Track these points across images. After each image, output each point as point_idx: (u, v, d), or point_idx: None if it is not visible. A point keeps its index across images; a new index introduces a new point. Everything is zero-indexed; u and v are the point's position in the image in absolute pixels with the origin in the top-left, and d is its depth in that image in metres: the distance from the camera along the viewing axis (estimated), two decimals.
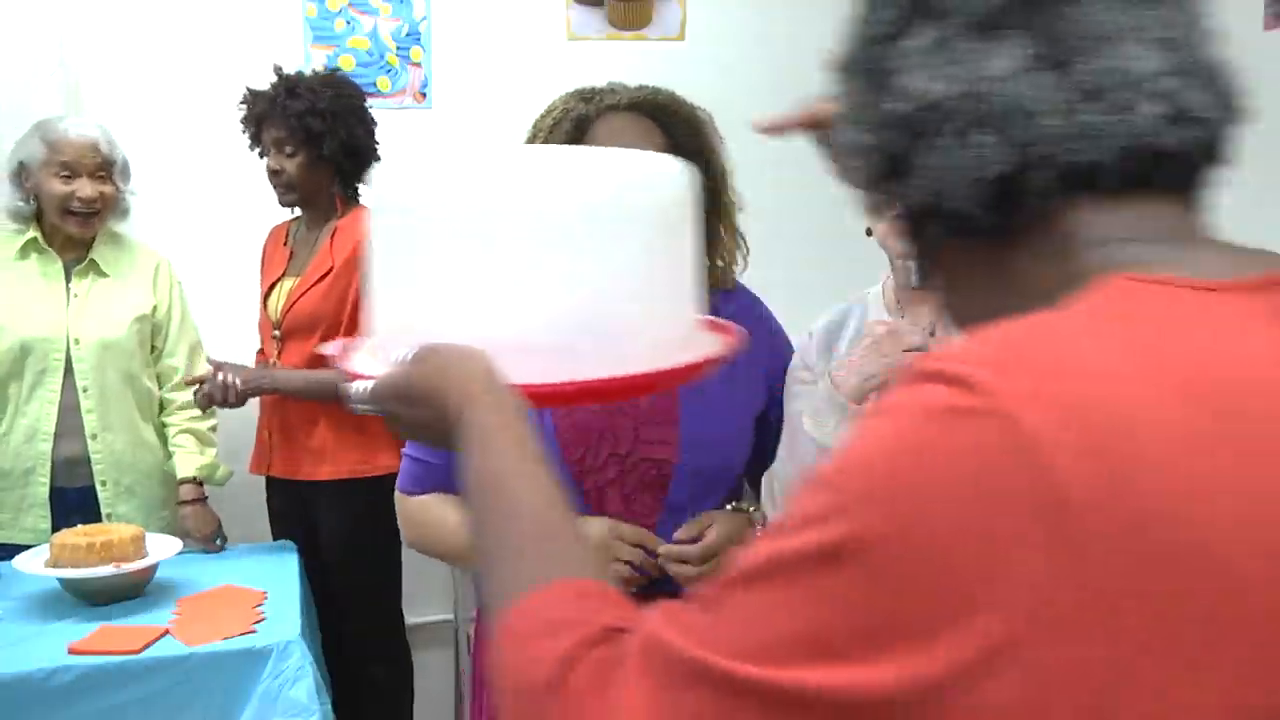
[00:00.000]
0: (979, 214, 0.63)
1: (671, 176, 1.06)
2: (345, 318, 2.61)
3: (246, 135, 2.68)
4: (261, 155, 2.67)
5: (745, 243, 1.68)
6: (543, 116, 1.62)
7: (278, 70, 2.67)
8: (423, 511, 1.61)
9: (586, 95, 1.61)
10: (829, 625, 0.52)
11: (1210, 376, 0.53)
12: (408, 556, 2.81)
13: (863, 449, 0.54)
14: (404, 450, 1.65)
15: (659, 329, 1.00)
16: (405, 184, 1.00)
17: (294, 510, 2.77)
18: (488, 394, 0.81)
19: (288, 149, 2.59)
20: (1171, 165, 0.65)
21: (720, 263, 1.66)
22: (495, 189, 0.94)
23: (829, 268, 3.34)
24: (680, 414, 1.57)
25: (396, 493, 1.64)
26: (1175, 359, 0.54)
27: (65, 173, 2.52)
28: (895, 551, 0.51)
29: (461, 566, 1.59)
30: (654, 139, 1.59)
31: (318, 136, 2.58)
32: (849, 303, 1.75)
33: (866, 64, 0.67)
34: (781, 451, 1.65)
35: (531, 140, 1.60)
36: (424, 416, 0.83)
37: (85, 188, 2.52)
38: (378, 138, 2.71)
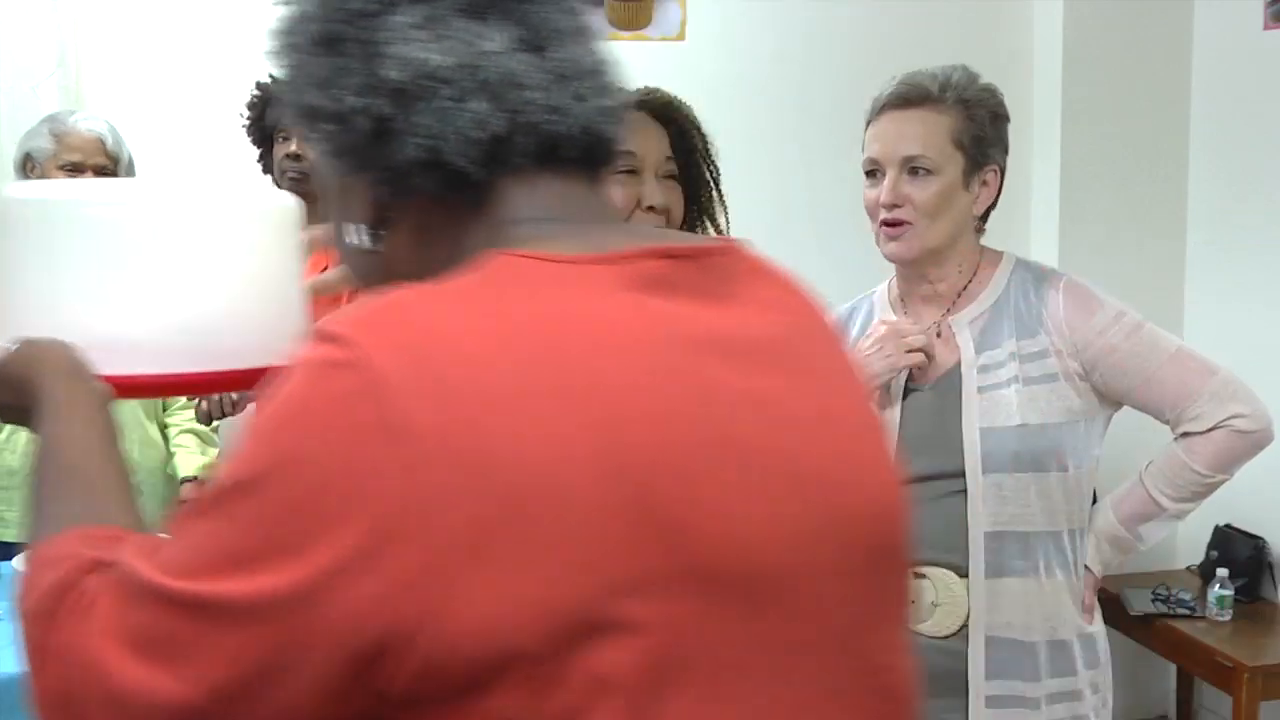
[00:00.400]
0: (473, 169, 0.72)
1: (275, 206, 1.19)
2: None
3: (252, 120, 2.66)
4: (263, 143, 2.66)
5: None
6: None
7: None
8: None
9: None
10: (238, 544, 0.62)
11: (547, 332, 0.65)
12: None
13: (271, 399, 0.65)
14: None
15: (251, 336, 1.11)
16: (24, 196, 1.13)
17: None
18: (67, 379, 0.89)
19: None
20: (600, 151, 0.77)
21: None
22: (103, 206, 1.06)
23: (829, 267, 3.34)
24: None
25: None
26: (520, 320, 0.65)
27: (70, 168, 2.54)
28: (279, 481, 0.62)
29: None
30: (663, 138, 1.62)
31: None
32: (855, 301, 1.75)
33: (355, 35, 0.73)
34: None
35: None
36: (12, 401, 0.91)
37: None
38: None
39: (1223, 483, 1.59)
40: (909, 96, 1.57)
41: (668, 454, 0.64)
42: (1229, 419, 1.53)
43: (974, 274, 1.63)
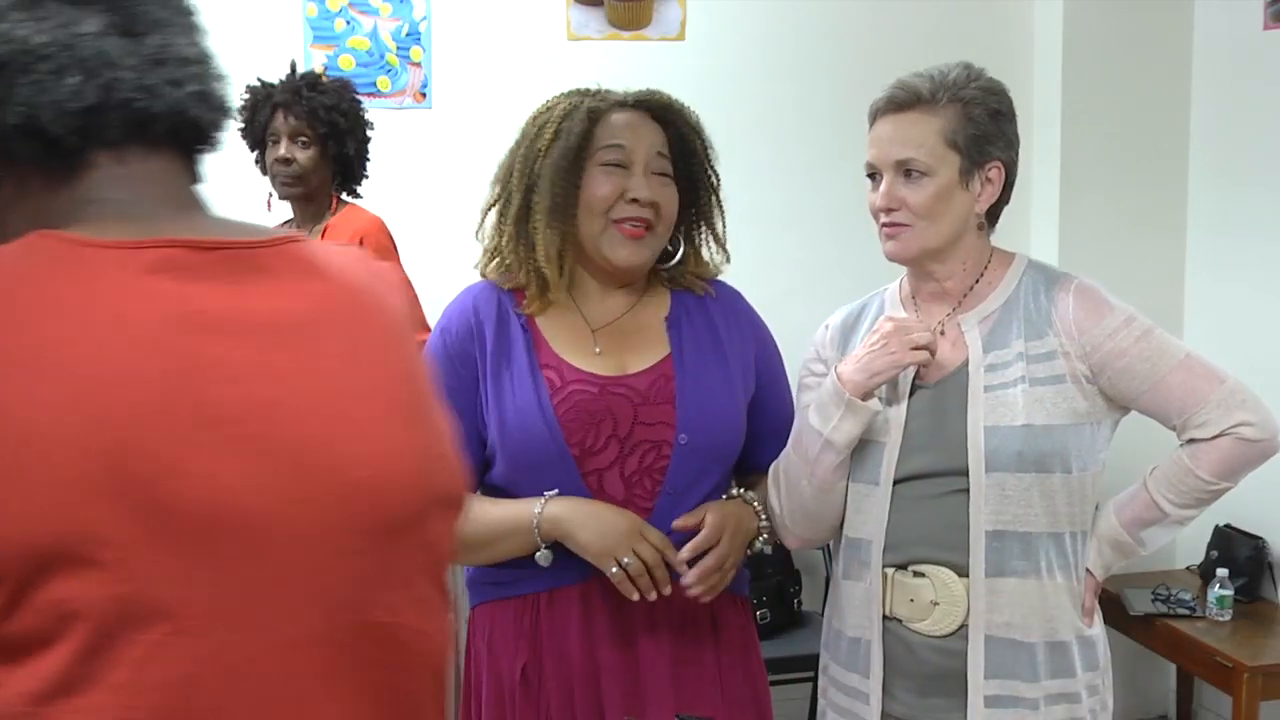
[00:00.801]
0: (68, 138, 0.79)
1: None
2: None
3: (245, 124, 2.68)
4: (257, 146, 2.67)
5: (725, 247, 1.76)
6: (545, 110, 1.65)
7: (294, 65, 2.70)
8: None
9: (590, 93, 1.65)
10: None
11: (43, 307, 0.74)
12: None
13: None
14: None
15: None
16: None
17: None
18: None
19: (303, 139, 2.61)
20: (192, 133, 0.86)
21: (699, 261, 1.74)
22: None
23: (830, 265, 3.34)
24: (677, 393, 1.60)
25: None
26: (20, 295, 0.74)
27: None
28: None
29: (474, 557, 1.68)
30: (657, 136, 1.63)
31: (340, 134, 2.61)
32: (865, 298, 1.75)
33: None
34: (789, 444, 1.65)
35: (540, 133, 1.61)
36: None
37: None
38: (374, 141, 2.78)
39: (1227, 490, 1.58)
40: (900, 100, 1.58)
41: (144, 418, 0.73)
42: (1235, 427, 1.53)
43: (983, 273, 1.63)
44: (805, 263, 3.32)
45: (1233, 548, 3.12)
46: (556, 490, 1.56)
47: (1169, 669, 3.37)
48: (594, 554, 1.53)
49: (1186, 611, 2.99)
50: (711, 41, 3.32)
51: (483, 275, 1.71)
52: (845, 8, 3.38)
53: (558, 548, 1.56)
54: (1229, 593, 2.96)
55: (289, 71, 2.68)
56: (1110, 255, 3.28)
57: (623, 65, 3.23)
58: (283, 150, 2.62)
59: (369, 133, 2.72)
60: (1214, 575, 3.02)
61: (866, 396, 1.55)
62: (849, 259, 3.40)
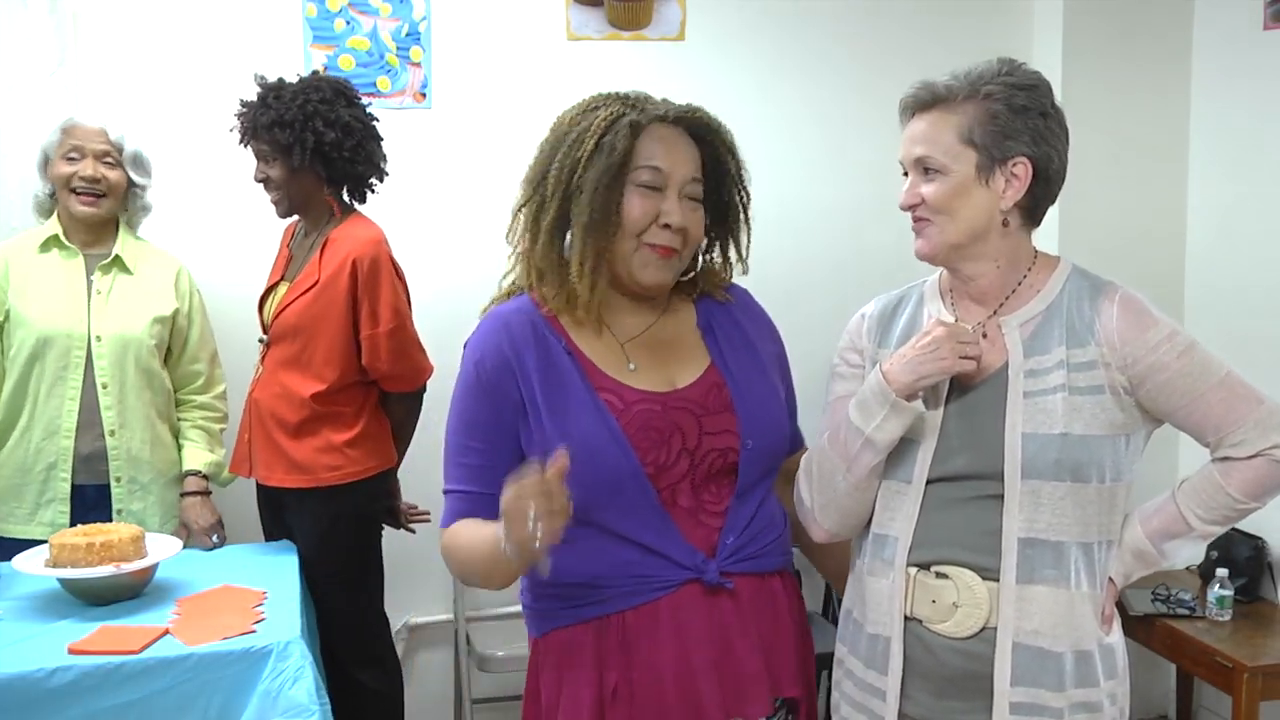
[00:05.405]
0: None
1: None
2: (327, 332, 2.57)
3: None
4: None
5: (745, 260, 1.75)
6: (580, 114, 1.61)
7: (259, 80, 2.65)
8: (452, 538, 1.60)
9: (629, 101, 1.62)
10: None
11: None
12: (406, 557, 2.81)
13: None
14: (444, 488, 1.64)
15: None
16: None
17: (272, 514, 2.76)
18: None
19: (267, 158, 2.61)
20: None
21: (724, 269, 1.74)
22: None
23: (828, 264, 3.34)
24: (734, 400, 1.62)
25: (441, 534, 1.64)
26: None
27: (73, 154, 2.57)
28: None
29: (486, 582, 1.57)
30: (694, 158, 1.62)
31: (286, 148, 2.56)
32: (903, 289, 1.74)
33: None
34: (823, 437, 1.64)
35: (579, 141, 1.57)
36: None
37: (88, 167, 2.56)
38: (367, 138, 2.66)
39: (1254, 510, 1.58)
40: (921, 98, 1.58)
41: None
42: (1271, 448, 1.53)
43: (1025, 275, 1.62)
44: (805, 262, 3.32)
45: (1232, 548, 3.13)
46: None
47: (1169, 669, 3.37)
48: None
49: (1186, 611, 2.99)
50: (711, 41, 3.32)
51: (515, 285, 1.69)
52: (845, 8, 3.38)
53: (644, 561, 1.56)
54: (1229, 593, 2.97)
55: (258, 89, 2.64)
56: (1110, 255, 3.27)
57: (623, 65, 3.23)
58: (256, 171, 2.64)
59: (331, 132, 2.57)
60: (1214, 575, 3.02)
61: (911, 397, 1.55)
62: (849, 258, 3.40)
